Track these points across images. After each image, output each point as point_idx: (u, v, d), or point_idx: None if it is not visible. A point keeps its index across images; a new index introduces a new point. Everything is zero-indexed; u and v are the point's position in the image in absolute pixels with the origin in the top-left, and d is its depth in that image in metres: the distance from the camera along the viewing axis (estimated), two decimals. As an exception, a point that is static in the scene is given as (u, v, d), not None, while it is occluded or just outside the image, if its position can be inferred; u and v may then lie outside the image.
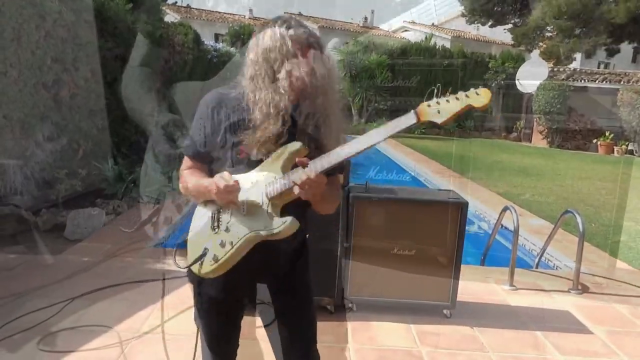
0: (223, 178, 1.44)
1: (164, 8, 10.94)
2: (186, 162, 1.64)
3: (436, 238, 3.17)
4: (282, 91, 1.46)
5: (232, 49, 14.87)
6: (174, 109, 6.87)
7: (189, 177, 1.59)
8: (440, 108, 1.39)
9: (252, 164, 1.51)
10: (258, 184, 1.49)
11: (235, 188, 1.44)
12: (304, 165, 1.42)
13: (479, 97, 1.38)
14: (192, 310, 1.74)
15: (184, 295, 3.27)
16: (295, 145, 1.47)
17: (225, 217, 1.51)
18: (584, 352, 3.00)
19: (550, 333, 3.17)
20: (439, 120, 1.39)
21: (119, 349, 2.68)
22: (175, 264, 1.56)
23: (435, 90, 1.40)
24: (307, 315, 1.71)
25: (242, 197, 1.48)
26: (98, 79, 6.52)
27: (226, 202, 1.47)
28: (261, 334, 2.79)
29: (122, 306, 3.17)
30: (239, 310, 1.71)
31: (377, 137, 1.40)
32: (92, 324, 2.90)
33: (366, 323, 3.14)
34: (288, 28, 1.47)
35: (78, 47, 6.07)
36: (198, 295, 1.63)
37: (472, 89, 1.40)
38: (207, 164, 1.59)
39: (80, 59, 6.14)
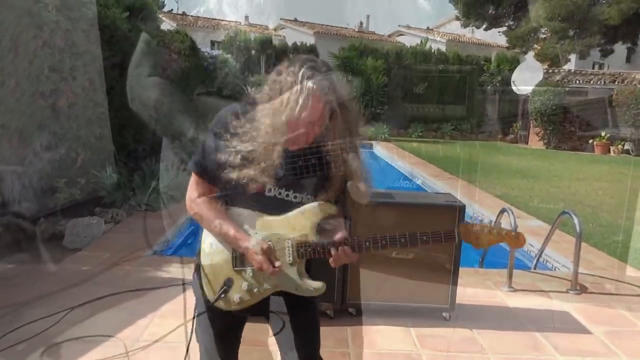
0: (269, 257, 1.47)
1: (160, 16, 10.97)
2: (196, 181, 1.58)
3: (435, 241, 3.18)
4: (286, 135, 1.44)
5: (229, 56, 14.93)
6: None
7: (216, 216, 1.53)
8: (481, 236, 1.49)
9: (266, 199, 1.50)
10: (287, 241, 1.51)
11: (278, 271, 1.49)
12: (343, 243, 1.51)
13: (516, 240, 1.50)
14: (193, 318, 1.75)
15: (186, 303, 3.28)
16: (330, 208, 1.52)
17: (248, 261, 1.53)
18: (583, 352, 3.02)
19: (550, 334, 3.19)
20: (475, 245, 1.50)
21: (121, 357, 2.68)
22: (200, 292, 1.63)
23: (481, 221, 1.52)
24: (313, 319, 1.74)
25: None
26: (96, 87, 6.53)
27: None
28: (272, 341, 2.80)
29: (122, 315, 3.17)
30: (243, 323, 1.74)
31: (417, 240, 1.63)
32: (93, 334, 2.90)
33: (366, 327, 3.15)
34: (309, 78, 1.41)
35: (75, 56, 6.08)
36: (209, 312, 1.64)
37: (513, 232, 1.51)
38: (216, 185, 1.55)
39: (78, 68, 6.15)
